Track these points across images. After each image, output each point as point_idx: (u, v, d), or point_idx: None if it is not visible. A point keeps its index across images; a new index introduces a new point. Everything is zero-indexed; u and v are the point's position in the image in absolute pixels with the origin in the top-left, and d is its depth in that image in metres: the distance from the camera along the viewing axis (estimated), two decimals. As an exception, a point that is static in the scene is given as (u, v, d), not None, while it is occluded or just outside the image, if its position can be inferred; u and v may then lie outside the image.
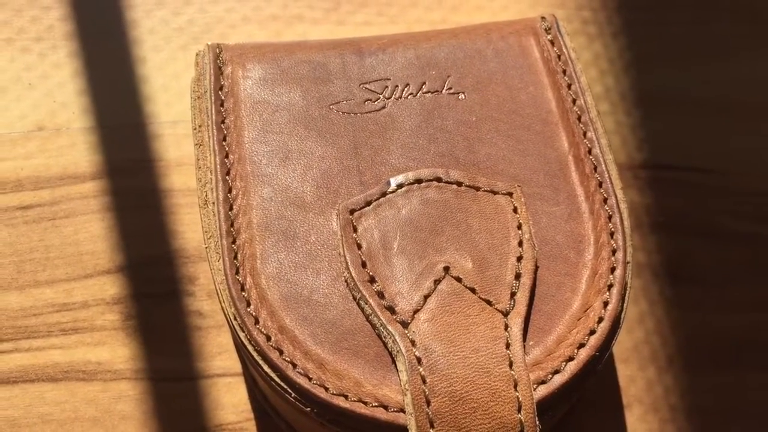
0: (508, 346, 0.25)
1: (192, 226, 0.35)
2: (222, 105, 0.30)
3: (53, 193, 0.35)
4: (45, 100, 0.37)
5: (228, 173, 0.29)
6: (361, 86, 0.31)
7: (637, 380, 0.33)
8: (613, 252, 0.28)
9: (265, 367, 0.26)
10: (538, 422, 0.25)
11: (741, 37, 0.40)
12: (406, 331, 0.26)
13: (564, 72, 0.31)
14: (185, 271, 0.34)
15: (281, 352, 0.26)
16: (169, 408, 0.32)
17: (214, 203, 0.28)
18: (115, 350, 0.33)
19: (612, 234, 0.28)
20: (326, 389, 0.25)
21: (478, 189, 0.28)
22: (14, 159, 0.36)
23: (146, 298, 0.33)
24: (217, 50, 0.31)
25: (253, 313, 0.26)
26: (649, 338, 0.34)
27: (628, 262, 0.28)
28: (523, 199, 0.28)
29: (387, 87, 0.31)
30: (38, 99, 0.37)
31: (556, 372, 0.26)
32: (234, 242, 0.28)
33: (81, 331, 0.33)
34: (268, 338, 0.26)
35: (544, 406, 0.25)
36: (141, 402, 0.32)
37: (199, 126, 0.30)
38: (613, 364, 0.33)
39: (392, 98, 0.31)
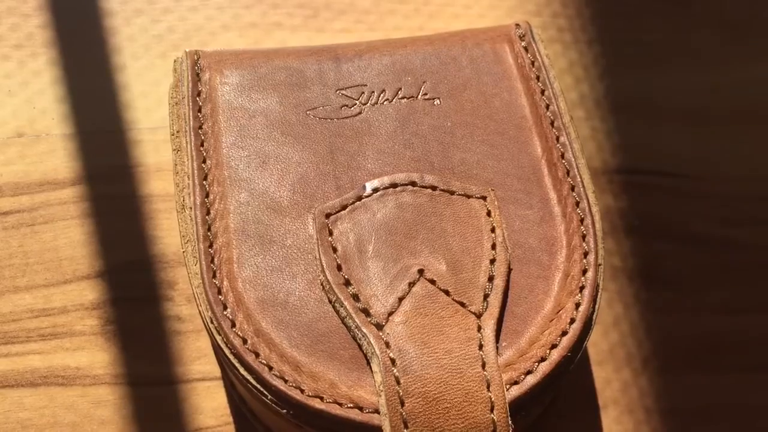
0: (481, 347, 0.26)
1: (171, 231, 0.35)
2: (200, 111, 0.31)
3: (33, 199, 0.35)
4: (25, 106, 0.37)
5: (205, 178, 0.29)
6: (338, 92, 0.31)
7: (612, 382, 0.33)
8: (585, 254, 0.28)
9: (242, 370, 0.26)
10: (510, 422, 0.25)
11: (714, 45, 0.41)
12: (381, 333, 0.26)
13: (537, 78, 0.32)
14: (164, 276, 0.34)
15: (257, 355, 0.26)
16: (148, 412, 0.32)
17: (191, 208, 0.29)
18: (94, 355, 0.33)
19: (584, 237, 0.28)
20: (302, 391, 0.25)
21: (452, 193, 0.29)
22: (-6, 165, 0.36)
23: (125, 303, 0.34)
24: (195, 57, 0.32)
25: (230, 317, 0.27)
26: (624, 341, 0.34)
27: (599, 264, 0.28)
28: (496, 203, 0.29)
29: (363, 93, 0.31)
30: (18, 106, 0.37)
31: (529, 372, 0.26)
32: (211, 246, 0.28)
33: (60, 337, 0.33)
34: (245, 341, 0.26)
35: (516, 406, 0.26)
36: (120, 407, 0.32)
37: (177, 132, 0.31)
38: (588, 367, 0.34)
39: (368, 104, 0.31)
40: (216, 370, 0.33)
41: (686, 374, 0.33)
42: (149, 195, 0.36)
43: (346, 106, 0.31)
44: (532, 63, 0.32)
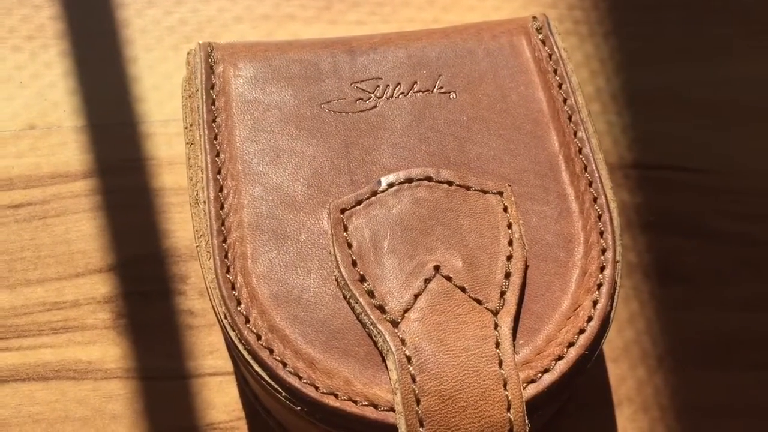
0: (497, 345, 0.25)
1: (183, 224, 0.35)
2: (213, 104, 0.30)
3: (44, 191, 0.35)
4: (36, 99, 0.37)
5: (219, 172, 0.29)
6: (353, 85, 0.31)
7: (627, 379, 0.33)
8: (603, 251, 0.28)
9: (256, 367, 0.26)
10: (527, 421, 0.25)
11: (731, 38, 0.40)
12: (396, 330, 0.26)
13: (555, 72, 0.32)
14: (176, 270, 0.34)
15: (271, 351, 0.26)
16: (160, 407, 0.32)
17: (205, 202, 0.28)
18: (106, 349, 0.33)
19: (602, 233, 0.28)
20: (316, 388, 0.25)
21: (468, 188, 0.28)
22: (5, 158, 0.36)
23: (137, 297, 0.33)
24: (209, 49, 0.31)
25: (244, 312, 0.26)
26: (639, 338, 0.34)
27: (617, 261, 0.28)
28: (513, 199, 0.28)
29: (378, 86, 0.31)
30: (29, 98, 0.37)
31: (546, 371, 0.26)
32: (225, 241, 0.28)
33: (72, 330, 0.33)
34: (259, 337, 0.26)
35: (533, 405, 0.25)
36: (132, 401, 0.32)
37: (191, 125, 0.30)
38: (603, 364, 0.33)
39: (383, 97, 0.31)
40: (228, 365, 0.32)
41: (702, 371, 0.33)
42: (161, 188, 0.35)
43: (361, 99, 0.31)
44: (550, 56, 0.32)
